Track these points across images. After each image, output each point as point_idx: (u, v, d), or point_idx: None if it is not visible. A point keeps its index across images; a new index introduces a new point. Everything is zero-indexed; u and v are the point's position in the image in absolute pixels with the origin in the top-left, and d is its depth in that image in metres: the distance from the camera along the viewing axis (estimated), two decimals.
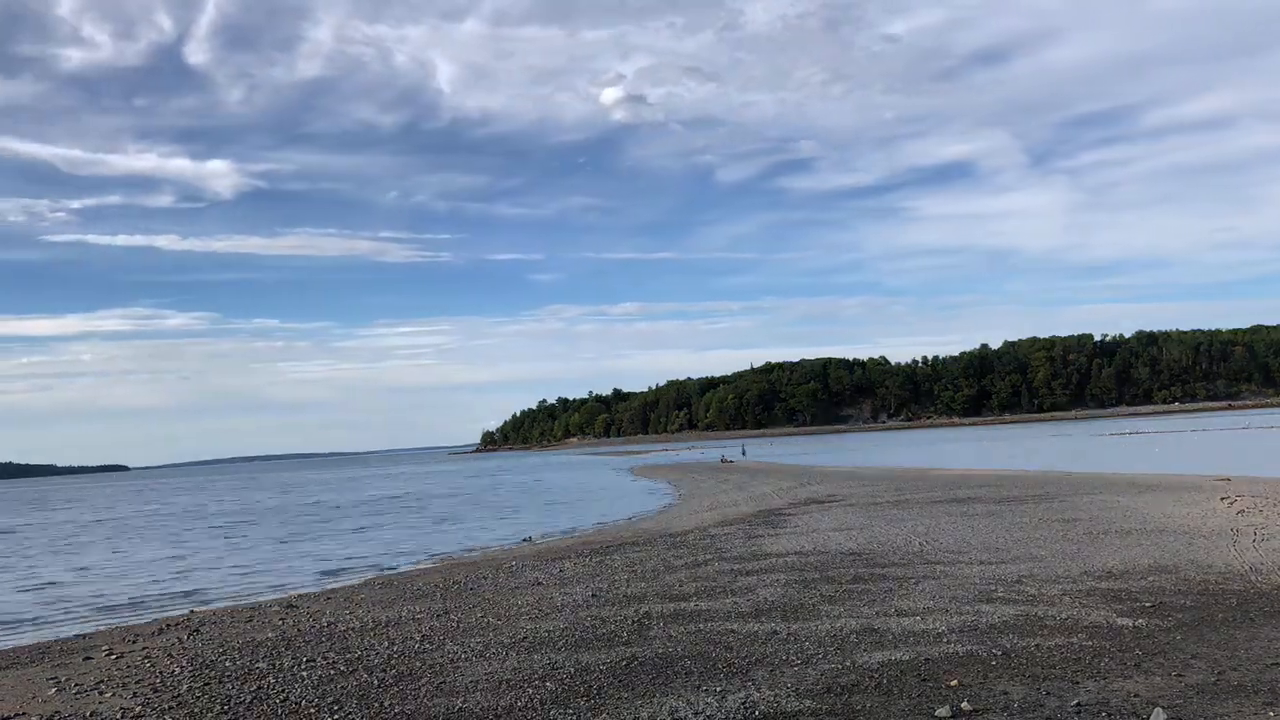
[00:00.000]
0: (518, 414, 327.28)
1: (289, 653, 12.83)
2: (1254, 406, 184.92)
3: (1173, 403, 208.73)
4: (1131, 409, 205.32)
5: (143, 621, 17.81)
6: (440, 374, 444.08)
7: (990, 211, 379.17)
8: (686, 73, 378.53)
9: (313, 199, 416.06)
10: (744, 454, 72.61)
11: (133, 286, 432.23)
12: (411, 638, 13.30)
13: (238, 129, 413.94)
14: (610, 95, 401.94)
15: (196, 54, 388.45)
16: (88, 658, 13.61)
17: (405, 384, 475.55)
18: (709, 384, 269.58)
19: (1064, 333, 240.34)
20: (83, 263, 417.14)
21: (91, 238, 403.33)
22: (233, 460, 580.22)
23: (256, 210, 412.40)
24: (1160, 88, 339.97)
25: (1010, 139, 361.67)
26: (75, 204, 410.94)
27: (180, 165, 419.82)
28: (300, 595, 19.71)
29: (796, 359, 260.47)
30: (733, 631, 12.30)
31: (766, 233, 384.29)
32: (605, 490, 56.62)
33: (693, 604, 14.52)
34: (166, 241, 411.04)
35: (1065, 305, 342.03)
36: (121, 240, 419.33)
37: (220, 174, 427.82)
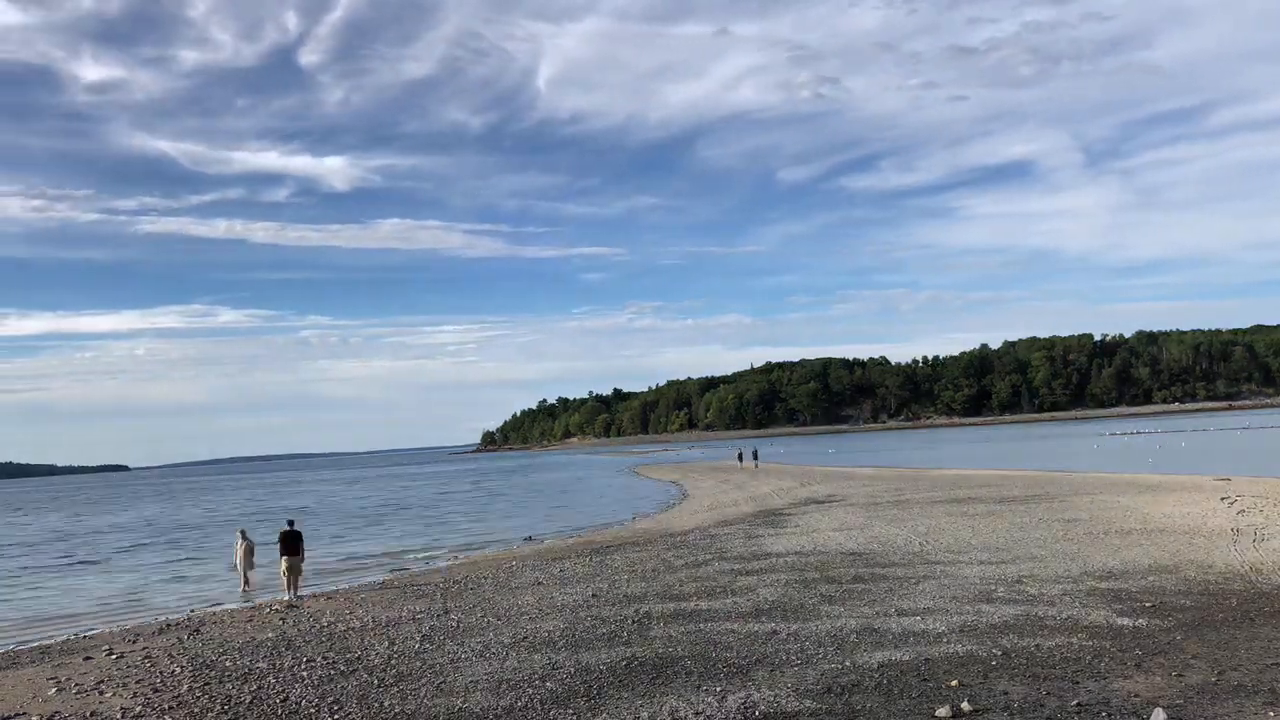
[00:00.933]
0: (518, 414, 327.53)
1: (289, 653, 12.82)
2: (1254, 406, 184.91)
3: (1173, 403, 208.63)
4: (1132, 409, 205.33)
5: (143, 621, 17.82)
6: (462, 371, 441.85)
7: (1038, 211, 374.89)
8: (763, 71, 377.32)
9: (393, 196, 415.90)
10: (756, 456, 70.03)
11: (197, 283, 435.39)
12: (411, 638, 13.29)
13: (333, 129, 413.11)
14: (692, 93, 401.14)
15: (310, 54, 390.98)
16: (88, 658, 13.61)
17: (420, 382, 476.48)
18: (709, 384, 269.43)
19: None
20: (145, 261, 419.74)
21: (155, 229, 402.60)
22: (232, 460, 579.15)
23: (329, 209, 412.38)
24: (1238, 85, 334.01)
25: (1069, 139, 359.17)
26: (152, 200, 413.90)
27: (266, 161, 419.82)
28: (300, 595, 19.69)
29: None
30: (733, 631, 12.29)
31: (824, 232, 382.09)
32: (618, 489, 56.56)
33: (693, 604, 14.52)
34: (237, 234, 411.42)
35: (1103, 303, 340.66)
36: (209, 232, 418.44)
37: (304, 170, 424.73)
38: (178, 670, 12.17)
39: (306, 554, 20.27)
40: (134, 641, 14.83)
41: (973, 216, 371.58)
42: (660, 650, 11.46)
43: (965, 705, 8.42)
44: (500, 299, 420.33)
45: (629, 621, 13.42)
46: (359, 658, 12.22)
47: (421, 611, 15.54)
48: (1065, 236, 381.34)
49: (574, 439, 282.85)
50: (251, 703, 10.23)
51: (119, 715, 10.04)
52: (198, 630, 15.59)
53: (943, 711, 8.31)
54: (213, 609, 18.95)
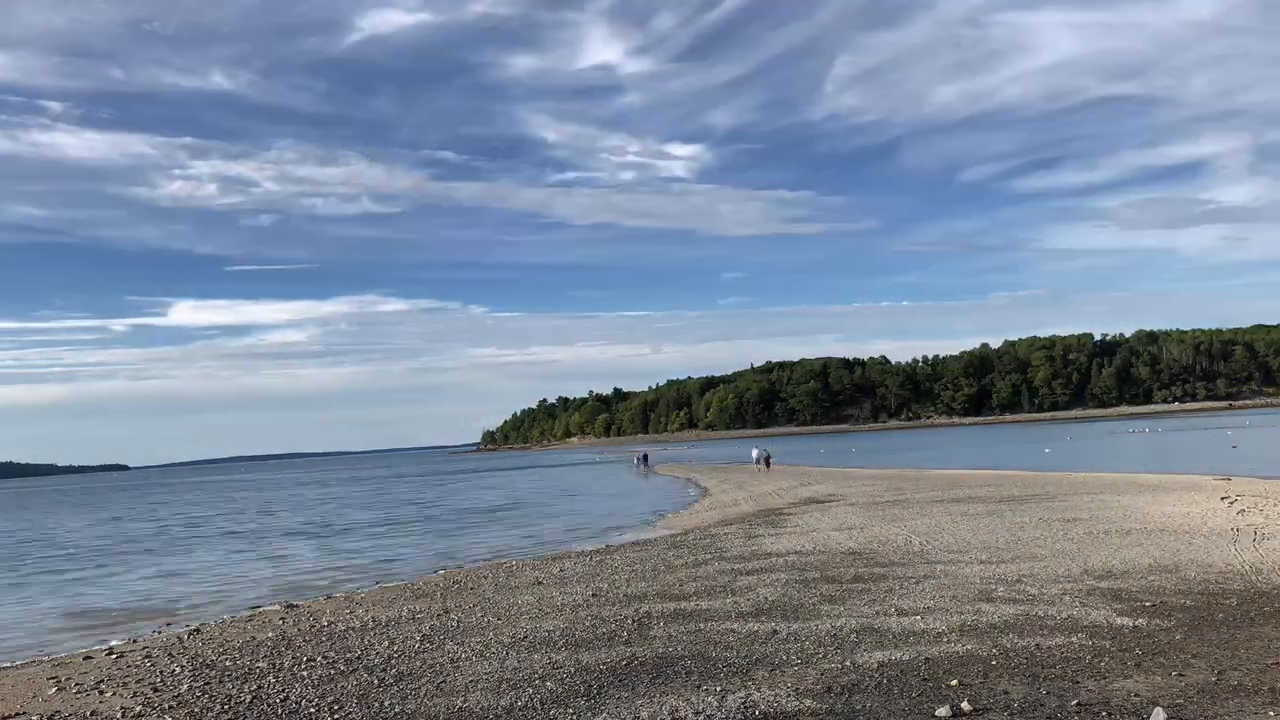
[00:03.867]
0: (518, 413, 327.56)
1: (289, 652, 12.82)
2: (1254, 406, 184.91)
3: (1173, 402, 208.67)
4: (1132, 408, 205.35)
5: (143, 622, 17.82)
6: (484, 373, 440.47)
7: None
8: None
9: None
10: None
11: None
12: (411, 637, 13.30)
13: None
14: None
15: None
16: (88, 657, 13.62)
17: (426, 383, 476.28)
18: (709, 384, 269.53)
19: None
20: None
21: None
22: (232, 460, 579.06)
23: None
24: None
25: (1249, 140, 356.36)
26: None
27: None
28: (300, 595, 19.70)
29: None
30: (733, 631, 12.29)
31: (996, 230, 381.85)
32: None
33: (693, 603, 14.52)
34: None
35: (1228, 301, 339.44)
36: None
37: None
38: (178, 670, 12.17)
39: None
40: (134, 641, 14.84)
41: None
42: (660, 650, 11.46)
43: (965, 705, 8.42)
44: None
45: (629, 621, 13.42)
46: (359, 657, 12.22)
47: (421, 611, 15.54)
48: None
49: (574, 438, 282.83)
50: (251, 702, 10.23)
51: (119, 715, 10.04)
52: (198, 630, 15.60)
53: (943, 711, 8.32)
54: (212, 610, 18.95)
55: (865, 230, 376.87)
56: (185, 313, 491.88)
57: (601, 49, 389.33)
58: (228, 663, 12.44)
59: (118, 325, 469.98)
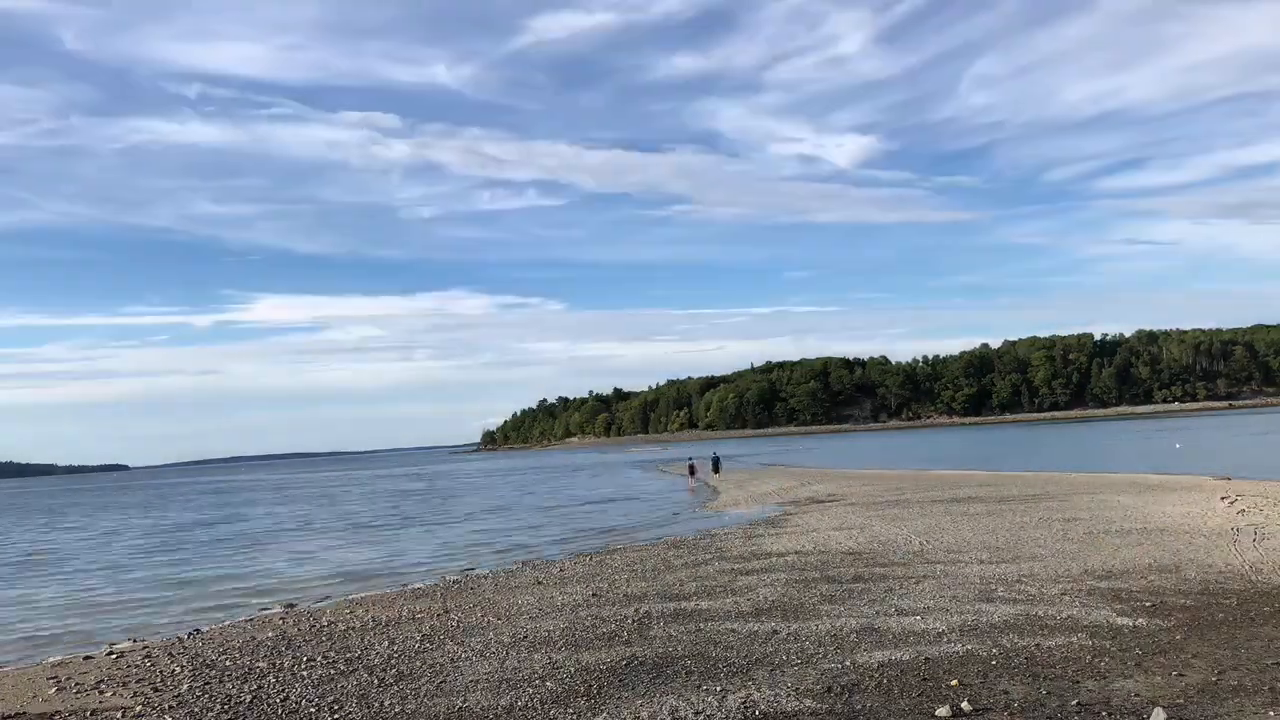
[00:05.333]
0: (518, 413, 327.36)
1: (289, 652, 12.82)
2: (1254, 406, 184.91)
3: (1173, 402, 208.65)
4: (1132, 408, 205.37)
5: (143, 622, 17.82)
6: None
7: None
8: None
9: None
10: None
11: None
12: (411, 637, 13.29)
13: None
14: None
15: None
16: (87, 656, 13.61)
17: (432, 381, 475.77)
18: (709, 383, 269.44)
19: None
20: None
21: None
22: (232, 460, 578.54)
23: None
24: None
25: None
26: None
27: None
28: (300, 595, 19.70)
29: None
30: (733, 631, 12.29)
31: (1064, 230, 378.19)
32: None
33: (693, 603, 14.52)
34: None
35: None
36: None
37: None
38: (178, 669, 12.16)
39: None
40: (134, 640, 14.84)
41: None
42: (660, 650, 11.46)
43: (965, 705, 8.42)
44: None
45: (629, 621, 13.42)
46: (359, 657, 12.22)
47: (421, 611, 15.54)
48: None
49: (574, 438, 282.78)
50: (251, 702, 10.23)
51: (119, 714, 10.04)
52: (198, 629, 15.60)
53: (943, 711, 8.31)
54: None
55: (944, 227, 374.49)
56: (265, 310, 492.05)
57: (767, 48, 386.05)
58: (228, 663, 12.44)
59: (201, 321, 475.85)
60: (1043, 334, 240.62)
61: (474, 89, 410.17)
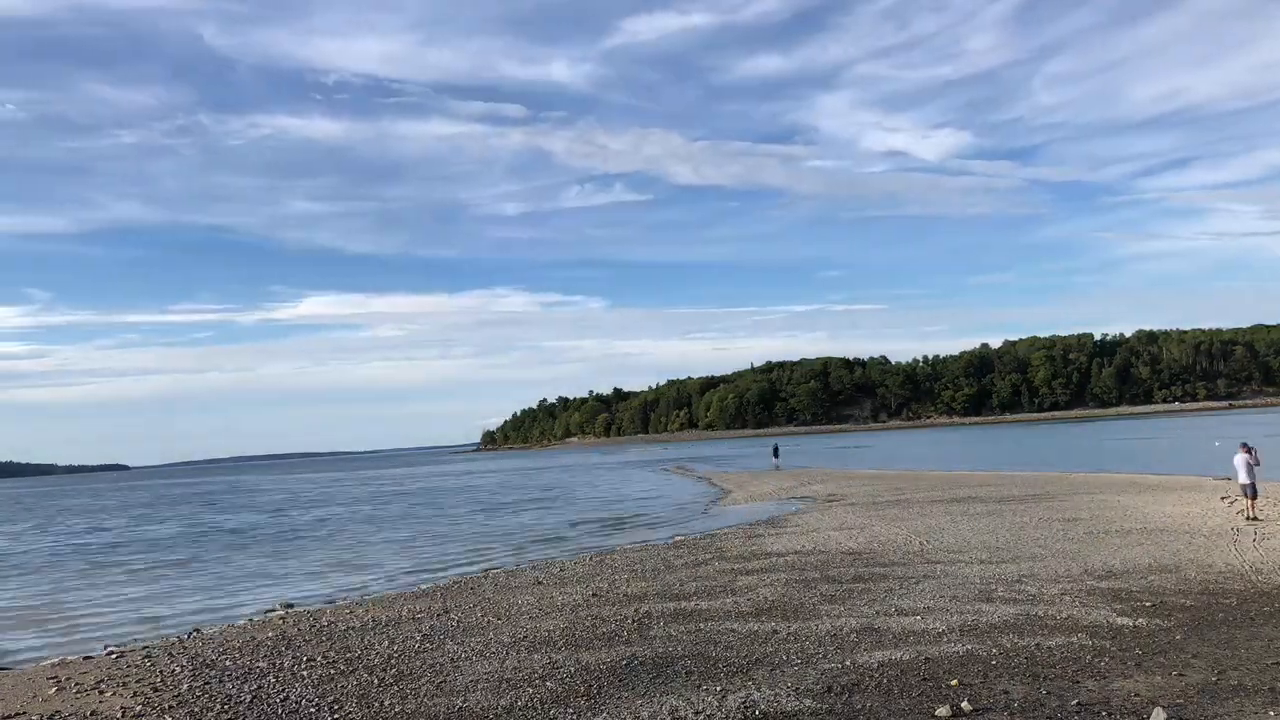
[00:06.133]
0: (518, 413, 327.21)
1: (289, 652, 12.82)
2: (1254, 406, 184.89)
3: (1173, 402, 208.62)
4: (1132, 408, 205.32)
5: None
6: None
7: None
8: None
9: None
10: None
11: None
12: (411, 637, 13.30)
13: None
14: None
15: None
16: (87, 656, 13.61)
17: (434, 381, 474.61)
18: (709, 383, 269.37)
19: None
20: None
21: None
22: (233, 460, 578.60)
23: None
24: None
25: None
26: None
27: None
28: (300, 595, 19.69)
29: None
30: (733, 631, 12.29)
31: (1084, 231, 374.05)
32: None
33: (693, 603, 14.52)
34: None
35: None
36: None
37: None
38: (178, 669, 12.16)
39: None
40: (134, 640, 14.84)
41: None
42: (660, 649, 11.46)
43: (965, 705, 8.42)
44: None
45: (629, 621, 13.42)
46: (359, 657, 12.22)
47: (421, 611, 15.54)
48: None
49: (574, 438, 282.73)
50: (251, 702, 10.23)
51: (119, 715, 10.03)
52: (198, 629, 15.60)
53: (943, 711, 8.32)
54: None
55: (983, 224, 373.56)
56: (309, 307, 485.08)
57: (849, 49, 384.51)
58: (228, 662, 12.44)
59: (245, 318, 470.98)
60: (1043, 334, 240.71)
61: (574, 86, 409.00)
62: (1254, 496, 21.64)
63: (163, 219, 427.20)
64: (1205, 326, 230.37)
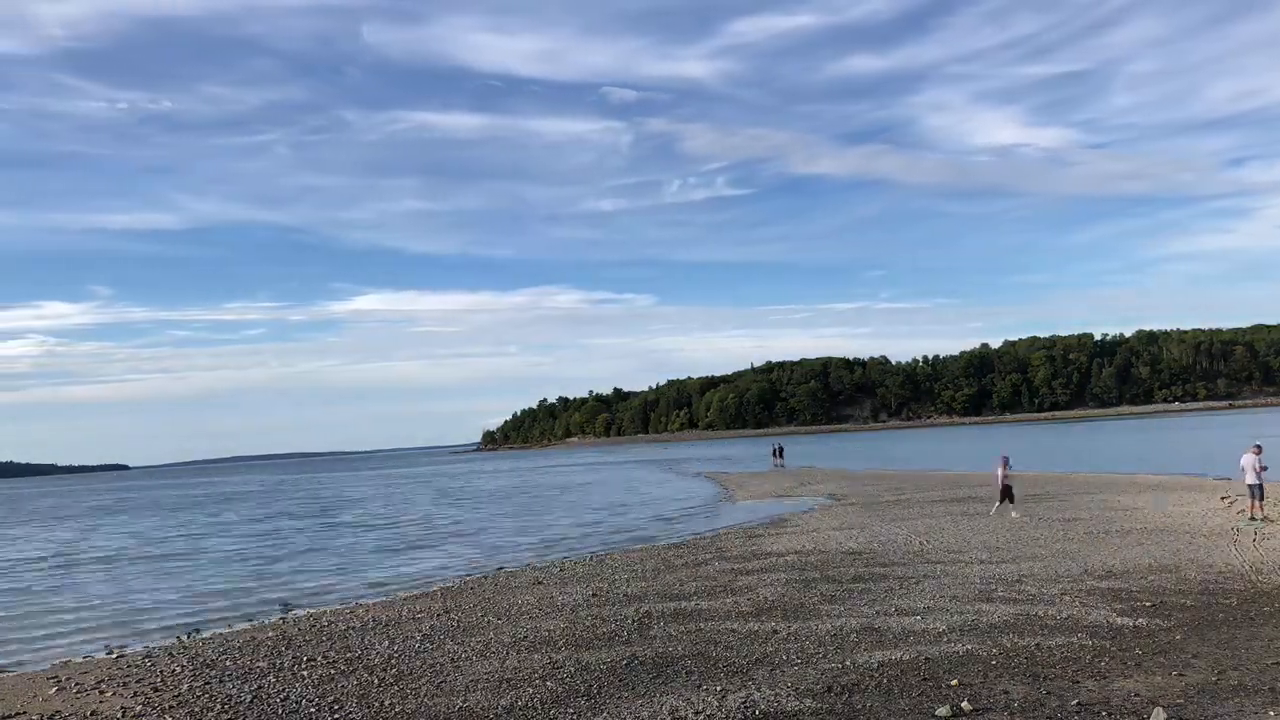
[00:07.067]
0: (518, 413, 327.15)
1: (289, 652, 12.82)
2: (1254, 406, 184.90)
3: (1173, 402, 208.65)
4: (1132, 408, 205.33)
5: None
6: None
7: None
8: None
9: None
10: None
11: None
12: (412, 637, 13.30)
13: None
14: None
15: None
16: (87, 656, 13.61)
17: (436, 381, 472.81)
18: (709, 383, 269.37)
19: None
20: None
21: None
22: (231, 460, 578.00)
23: None
24: None
25: None
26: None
27: None
28: (299, 595, 19.69)
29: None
30: (733, 631, 12.29)
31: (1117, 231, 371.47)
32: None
33: (693, 603, 14.52)
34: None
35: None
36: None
37: None
38: (178, 669, 12.16)
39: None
40: (135, 640, 14.84)
41: None
42: (660, 649, 11.46)
43: (965, 705, 8.42)
44: None
45: (629, 621, 13.42)
46: (359, 657, 12.22)
47: (421, 610, 15.54)
48: None
49: (574, 438, 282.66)
50: (252, 702, 10.23)
51: (119, 715, 10.04)
52: (198, 629, 15.60)
53: (943, 711, 8.32)
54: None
55: (1029, 222, 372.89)
56: (363, 303, 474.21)
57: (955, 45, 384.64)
58: (228, 662, 12.44)
59: (296, 315, 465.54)
60: (1042, 334, 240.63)
61: (681, 82, 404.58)
62: (1261, 498, 21.68)
63: (238, 217, 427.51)
64: (1205, 326, 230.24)
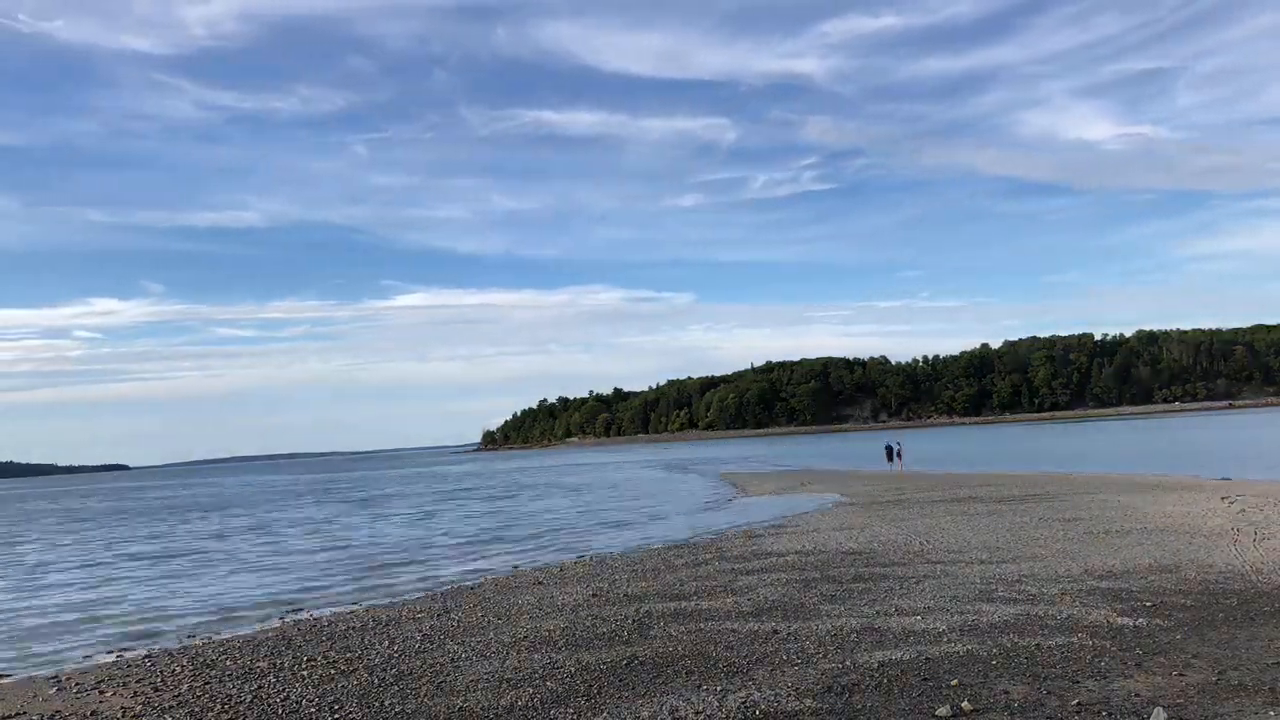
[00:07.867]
0: (518, 413, 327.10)
1: (289, 652, 12.83)
2: (1254, 406, 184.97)
3: (1173, 402, 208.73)
4: (1132, 408, 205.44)
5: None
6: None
7: None
8: None
9: None
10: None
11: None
12: (412, 637, 13.30)
13: None
14: None
15: None
16: (87, 656, 13.62)
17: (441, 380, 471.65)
18: (709, 383, 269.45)
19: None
20: None
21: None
22: (230, 460, 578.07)
23: None
24: None
25: None
26: None
27: None
28: (299, 595, 19.69)
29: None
30: (733, 631, 12.29)
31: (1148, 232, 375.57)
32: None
33: (693, 603, 14.53)
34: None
35: None
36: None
37: None
38: (178, 669, 12.17)
39: None
40: (135, 640, 14.84)
41: None
42: (660, 649, 11.46)
43: (966, 704, 8.42)
44: None
45: (629, 621, 13.42)
46: (359, 657, 12.22)
47: (421, 611, 15.54)
48: None
49: (574, 438, 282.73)
50: (252, 702, 10.23)
51: (119, 715, 10.04)
52: (197, 629, 15.60)
53: (943, 711, 8.31)
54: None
55: (1065, 223, 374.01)
56: (404, 301, 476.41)
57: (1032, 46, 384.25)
58: (228, 662, 12.44)
59: (343, 312, 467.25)
60: (1043, 334, 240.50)
61: (758, 81, 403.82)
62: None
63: (301, 218, 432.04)
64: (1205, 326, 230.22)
